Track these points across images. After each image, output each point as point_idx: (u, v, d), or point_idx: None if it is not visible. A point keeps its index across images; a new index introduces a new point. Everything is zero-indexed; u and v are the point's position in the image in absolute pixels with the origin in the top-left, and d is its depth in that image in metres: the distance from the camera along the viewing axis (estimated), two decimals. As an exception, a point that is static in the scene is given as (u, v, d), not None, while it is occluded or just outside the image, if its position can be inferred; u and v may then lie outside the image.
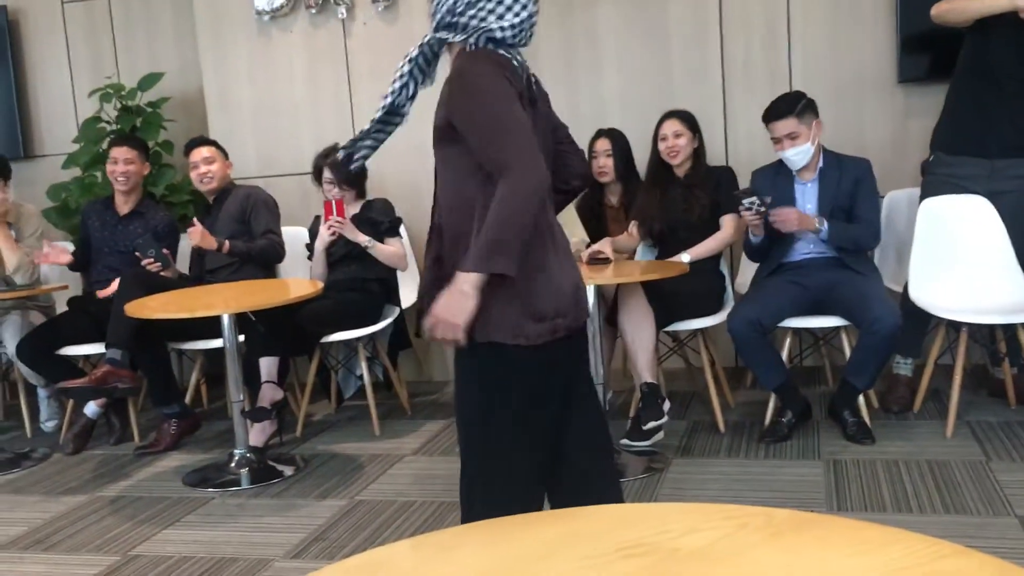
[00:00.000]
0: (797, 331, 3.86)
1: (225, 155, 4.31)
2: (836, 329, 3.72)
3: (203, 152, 4.22)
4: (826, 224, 3.56)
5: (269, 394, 3.85)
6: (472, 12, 1.87)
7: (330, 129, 4.73)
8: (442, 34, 1.90)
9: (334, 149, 4.20)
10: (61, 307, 4.53)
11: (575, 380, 1.98)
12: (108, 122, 5.03)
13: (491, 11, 1.86)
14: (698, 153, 3.95)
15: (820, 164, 3.70)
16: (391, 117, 1.97)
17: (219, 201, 4.29)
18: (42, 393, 4.49)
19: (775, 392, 3.61)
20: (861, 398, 3.56)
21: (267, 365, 3.90)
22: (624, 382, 4.45)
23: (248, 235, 4.18)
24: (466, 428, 1.95)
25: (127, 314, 3.46)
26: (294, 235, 4.42)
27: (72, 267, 4.43)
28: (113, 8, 5.35)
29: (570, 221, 3.85)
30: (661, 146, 3.92)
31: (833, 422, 3.62)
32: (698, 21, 4.60)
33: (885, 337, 3.35)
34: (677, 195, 3.93)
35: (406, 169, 4.68)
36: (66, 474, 3.83)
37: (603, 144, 4.12)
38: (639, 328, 3.61)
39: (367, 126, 1.97)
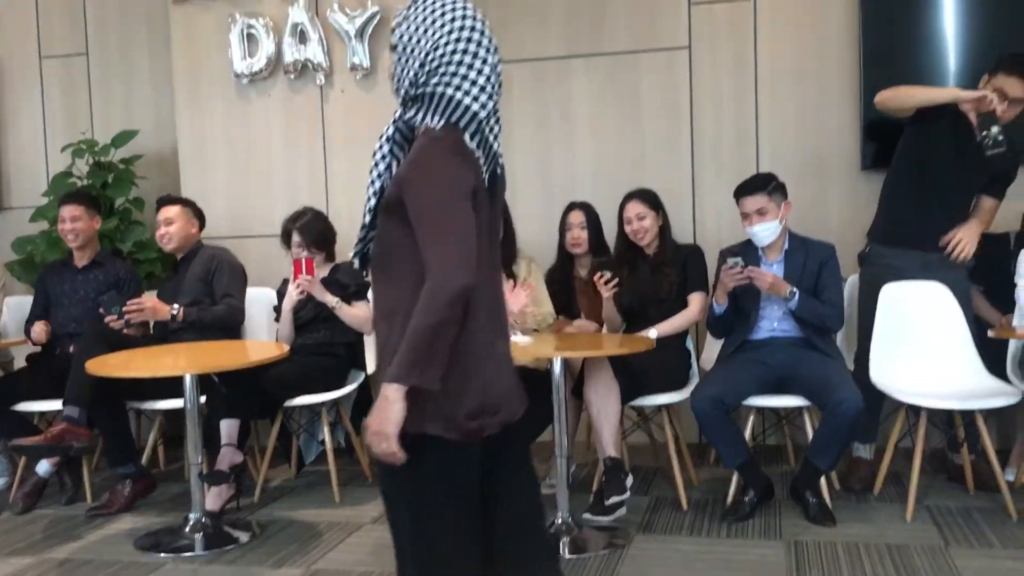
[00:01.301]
0: (760, 409, 3.88)
1: (197, 214, 4.31)
2: (799, 409, 3.74)
3: (166, 212, 4.25)
4: (797, 293, 3.60)
5: (228, 457, 3.78)
6: (436, 80, 1.80)
7: (304, 193, 4.76)
8: (409, 114, 1.84)
9: (303, 213, 4.23)
10: (20, 362, 4.45)
11: (506, 462, 1.94)
12: (79, 177, 5.02)
13: (455, 74, 1.79)
14: (663, 230, 4.01)
15: (786, 246, 3.76)
16: None
17: (186, 260, 4.28)
18: (-9, 450, 4.39)
19: (737, 470, 3.61)
20: (823, 479, 3.57)
21: (227, 427, 3.84)
22: (588, 455, 4.43)
23: (211, 297, 4.17)
24: (398, 519, 1.90)
25: (88, 371, 3.41)
26: (262, 296, 4.41)
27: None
28: (91, 64, 5.38)
29: (539, 294, 3.87)
30: (627, 228, 3.98)
31: (795, 502, 3.62)
32: (669, 97, 4.72)
33: (848, 419, 3.38)
34: (645, 272, 3.97)
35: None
36: (14, 533, 3.72)
37: (577, 216, 4.17)
38: (605, 401, 3.62)
39: (366, 219, 1.91)
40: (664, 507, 3.76)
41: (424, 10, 1.82)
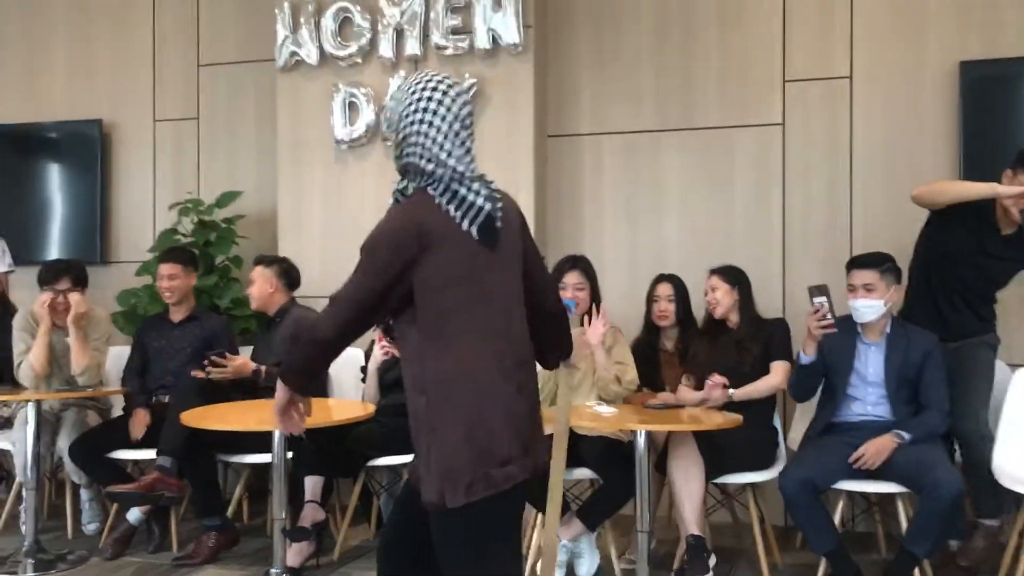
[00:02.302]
0: (851, 494, 3.76)
1: (284, 275, 4.42)
2: (892, 495, 3.61)
3: (257, 270, 4.40)
4: (906, 435, 3.48)
5: (311, 514, 3.83)
6: (406, 151, 2.01)
7: (394, 256, 4.85)
8: (401, 185, 2.05)
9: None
10: (117, 410, 4.61)
11: None
12: (184, 235, 5.23)
13: (416, 143, 1.99)
14: (744, 305, 3.97)
15: (887, 330, 3.67)
16: None
17: (277, 318, 4.39)
18: (84, 495, 4.52)
19: (826, 557, 3.49)
20: (916, 571, 3.42)
21: (312, 484, 3.90)
22: (669, 531, 4.34)
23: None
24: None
25: (182, 423, 3.51)
26: (350, 357, 4.49)
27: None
28: (201, 128, 5.65)
29: (624, 361, 3.86)
30: (706, 300, 3.97)
31: (886, 593, 3.47)
32: (761, 175, 4.72)
33: (947, 503, 3.24)
34: (729, 346, 3.93)
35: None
36: (102, 579, 3.82)
37: (665, 289, 4.16)
38: (688, 478, 3.56)
39: None
40: (747, 590, 3.65)
41: (400, 92, 2.04)
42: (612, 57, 4.95)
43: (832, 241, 4.58)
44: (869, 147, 4.58)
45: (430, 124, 1.98)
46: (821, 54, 4.65)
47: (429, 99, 1.99)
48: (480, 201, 1.99)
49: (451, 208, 1.97)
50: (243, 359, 4.21)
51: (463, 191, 1.98)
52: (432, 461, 1.96)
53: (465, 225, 1.97)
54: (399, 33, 4.89)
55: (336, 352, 2.10)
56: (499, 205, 2.02)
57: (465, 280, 1.96)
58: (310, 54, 5.01)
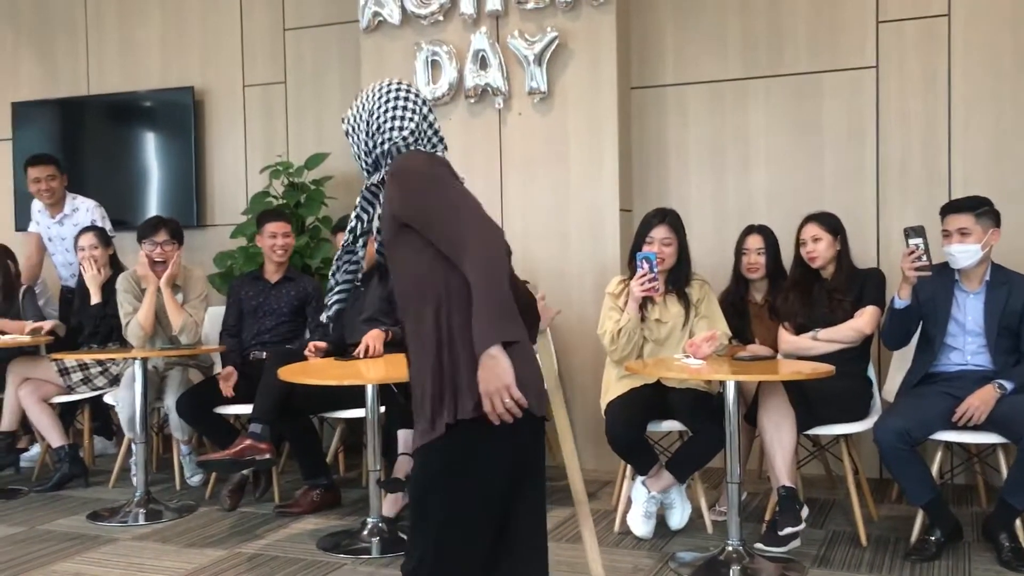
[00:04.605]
0: (949, 445, 3.68)
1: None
2: (992, 446, 3.52)
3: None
4: (1008, 385, 3.38)
5: (404, 466, 3.93)
6: (379, 140, 2.10)
7: (480, 213, 4.89)
8: (373, 179, 2.13)
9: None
10: (219, 368, 4.78)
11: (526, 468, 2.05)
12: (275, 197, 5.36)
13: (390, 128, 2.09)
14: (841, 255, 3.87)
15: (987, 277, 3.55)
16: (350, 257, 2.21)
17: (367, 277, 4.46)
18: (184, 449, 4.72)
19: (923, 509, 3.43)
20: (1019, 521, 3.34)
21: (404, 437, 3.99)
22: (759, 484, 4.32)
23: (392, 313, 4.32)
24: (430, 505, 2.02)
25: (281, 378, 3.63)
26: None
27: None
28: (288, 91, 5.75)
29: (713, 314, 3.82)
30: (802, 250, 3.87)
31: (987, 544, 3.40)
32: (853, 121, 4.58)
33: (1047, 455, 3.15)
34: (821, 297, 3.85)
35: (551, 255, 4.80)
36: (209, 528, 4.00)
37: (755, 241, 4.08)
38: (779, 429, 3.53)
39: (331, 281, 2.24)
40: (841, 542, 3.61)
41: (364, 96, 2.15)
42: (695, 5, 4.85)
43: (930, 189, 4.43)
44: (969, 89, 4.39)
45: (404, 109, 2.12)
46: (917, -8, 4.47)
47: (398, 95, 2.14)
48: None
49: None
50: (369, 334, 4.09)
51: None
52: (445, 378, 1.95)
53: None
54: (480, -12, 4.88)
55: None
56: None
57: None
58: (392, 14, 5.04)
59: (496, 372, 1.86)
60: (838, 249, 3.85)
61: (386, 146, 2.10)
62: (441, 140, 2.17)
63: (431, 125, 2.14)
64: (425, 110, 2.15)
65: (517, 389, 1.87)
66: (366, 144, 2.13)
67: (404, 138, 2.09)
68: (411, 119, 2.11)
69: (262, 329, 4.59)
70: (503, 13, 4.85)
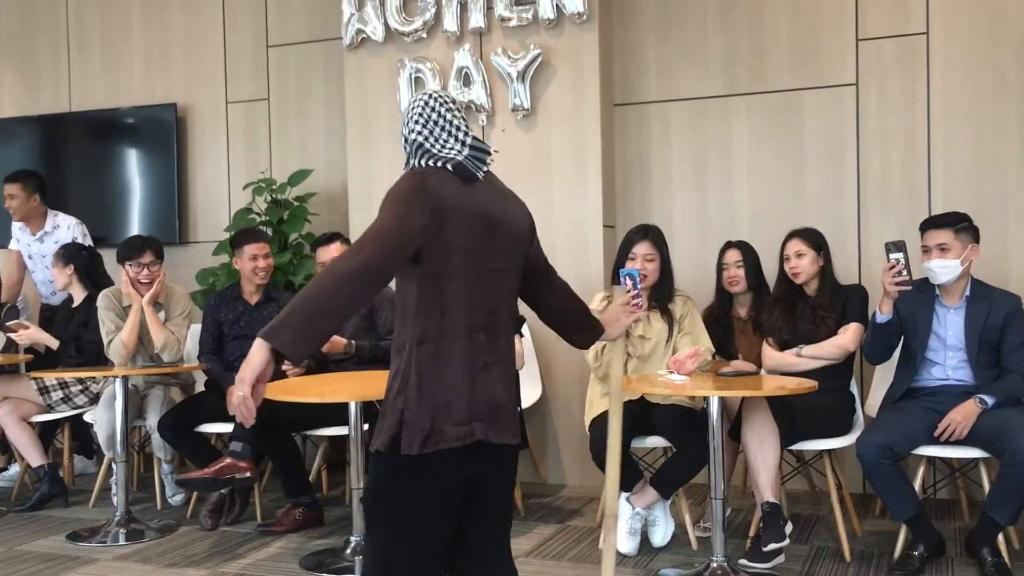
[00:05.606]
0: (931, 460, 3.69)
1: None
2: (974, 461, 3.53)
3: (331, 250, 4.43)
4: (989, 399, 3.40)
5: (388, 484, 3.90)
6: (409, 132, 2.14)
7: (463, 229, 4.89)
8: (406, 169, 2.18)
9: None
10: (200, 387, 4.75)
11: (484, 495, 2.09)
12: (258, 214, 5.34)
13: (422, 131, 2.13)
14: (824, 272, 3.89)
15: (967, 293, 3.58)
16: None
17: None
18: (166, 468, 4.68)
19: (906, 524, 3.43)
20: (1001, 536, 3.35)
21: (388, 455, 3.96)
22: (743, 500, 4.32)
23: (373, 331, 4.32)
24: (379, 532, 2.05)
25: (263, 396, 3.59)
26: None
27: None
28: (272, 108, 5.75)
29: (696, 330, 3.83)
30: (785, 266, 3.90)
31: (970, 559, 3.41)
32: (834, 137, 4.62)
33: (1028, 471, 3.16)
34: (805, 313, 3.87)
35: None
36: (190, 547, 3.96)
37: (733, 255, 4.11)
38: (763, 445, 3.53)
39: None
40: (825, 557, 3.61)
41: (410, 107, 2.20)
42: (677, 22, 4.89)
43: (910, 205, 4.47)
44: (948, 106, 4.44)
45: (439, 115, 2.14)
46: (896, 10, 4.52)
47: (434, 104, 2.17)
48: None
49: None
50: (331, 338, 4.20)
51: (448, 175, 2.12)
52: (392, 410, 2.00)
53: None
54: (463, 6, 4.89)
55: (358, 294, 1.90)
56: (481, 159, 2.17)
57: (468, 251, 2.03)
58: (376, 31, 5.05)
59: (246, 363, 1.88)
60: (821, 265, 3.87)
61: (414, 143, 2.16)
62: (452, 136, 2.15)
63: (443, 127, 2.15)
64: (436, 116, 2.16)
65: (249, 387, 1.87)
66: (404, 138, 2.21)
67: (415, 140, 2.15)
68: (444, 131, 2.15)
69: (246, 351, 4.53)
70: (486, 30, 4.87)
